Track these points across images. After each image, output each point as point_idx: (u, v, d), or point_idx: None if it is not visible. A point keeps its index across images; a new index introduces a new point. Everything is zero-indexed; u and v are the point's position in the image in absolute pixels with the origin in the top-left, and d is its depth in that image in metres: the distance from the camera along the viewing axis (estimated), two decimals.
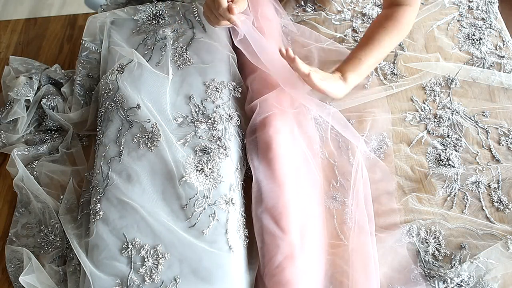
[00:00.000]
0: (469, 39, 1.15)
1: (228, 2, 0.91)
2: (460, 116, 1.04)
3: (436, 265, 0.86)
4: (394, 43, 1.03)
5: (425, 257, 0.87)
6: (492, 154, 0.99)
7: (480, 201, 0.93)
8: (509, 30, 1.17)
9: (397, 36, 1.01)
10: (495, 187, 0.94)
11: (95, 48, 1.09)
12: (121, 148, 0.90)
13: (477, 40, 1.14)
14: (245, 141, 0.95)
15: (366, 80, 1.08)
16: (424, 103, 1.06)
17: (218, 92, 0.96)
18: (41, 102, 1.06)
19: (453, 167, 0.97)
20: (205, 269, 0.79)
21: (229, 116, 0.94)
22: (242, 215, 0.87)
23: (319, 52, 1.11)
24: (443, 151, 0.99)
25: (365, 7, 1.21)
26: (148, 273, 0.79)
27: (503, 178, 0.95)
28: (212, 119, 0.92)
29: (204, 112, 0.93)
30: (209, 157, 0.87)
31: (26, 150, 1.02)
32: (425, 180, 0.96)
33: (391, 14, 1.00)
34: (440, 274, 0.85)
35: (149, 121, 0.91)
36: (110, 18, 1.10)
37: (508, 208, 0.92)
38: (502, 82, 1.07)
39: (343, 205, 0.93)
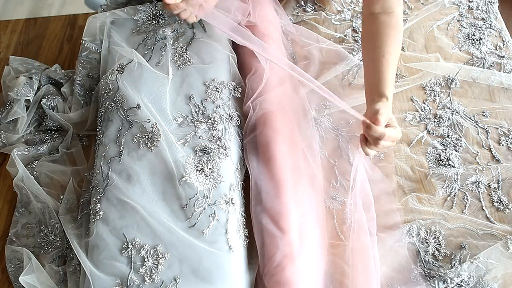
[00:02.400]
0: (469, 39, 1.15)
1: None
2: (460, 116, 1.04)
3: (436, 265, 0.86)
4: None
5: (425, 257, 0.87)
6: (492, 154, 0.99)
7: (480, 201, 0.93)
8: (509, 30, 1.17)
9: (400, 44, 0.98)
10: (495, 187, 0.94)
11: (95, 48, 1.09)
12: (121, 148, 0.90)
13: (477, 40, 1.14)
14: (245, 141, 0.95)
15: None
16: (424, 103, 1.06)
17: (218, 92, 0.96)
18: (41, 102, 1.06)
19: (453, 167, 0.97)
20: (205, 269, 0.79)
21: (229, 116, 0.94)
22: (242, 215, 0.87)
23: (319, 52, 1.11)
24: (443, 151, 0.99)
25: None
26: (148, 273, 0.79)
27: (503, 178, 0.95)
28: (212, 119, 0.92)
29: (204, 112, 0.93)
30: (209, 157, 0.87)
31: (26, 150, 1.02)
32: (425, 180, 0.96)
33: (390, 23, 0.94)
34: (440, 274, 0.85)
35: (149, 121, 0.91)
36: (110, 18, 1.10)
37: (508, 208, 0.92)
38: (502, 82, 1.07)
39: (343, 205, 0.93)
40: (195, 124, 0.91)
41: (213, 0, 0.93)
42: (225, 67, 1.00)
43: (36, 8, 2.03)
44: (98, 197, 0.86)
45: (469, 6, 1.21)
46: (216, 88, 0.96)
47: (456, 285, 0.83)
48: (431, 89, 1.08)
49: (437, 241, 0.89)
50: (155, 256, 0.80)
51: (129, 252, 0.81)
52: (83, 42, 1.09)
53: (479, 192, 0.94)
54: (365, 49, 0.98)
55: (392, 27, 0.94)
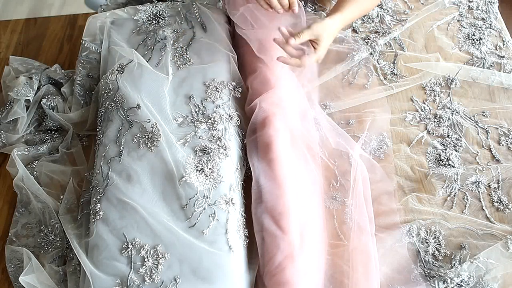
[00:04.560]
0: (469, 39, 1.15)
1: None
2: (460, 116, 1.04)
3: (436, 265, 0.86)
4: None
5: (425, 257, 0.87)
6: (492, 154, 0.99)
7: (480, 201, 0.93)
8: (509, 30, 1.17)
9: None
10: (495, 187, 0.94)
11: (95, 48, 1.09)
12: (121, 148, 0.90)
13: (477, 40, 1.14)
14: (245, 141, 0.95)
15: (366, 80, 1.08)
16: (424, 103, 1.06)
17: (218, 92, 0.95)
18: (41, 102, 1.06)
19: (453, 167, 0.97)
20: (205, 269, 0.79)
21: (229, 116, 0.94)
22: (242, 215, 0.87)
23: None
24: (443, 151, 0.99)
25: None
26: (148, 273, 0.79)
27: (503, 178, 0.95)
28: (212, 119, 0.92)
29: (204, 112, 0.93)
30: (209, 157, 0.87)
31: (26, 150, 1.02)
32: (425, 180, 0.96)
33: None
34: (440, 274, 0.84)
35: (149, 121, 0.91)
36: (110, 18, 1.10)
37: (508, 208, 0.92)
38: (502, 82, 1.07)
39: (343, 205, 0.93)
40: (195, 124, 0.91)
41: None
42: (225, 67, 1.00)
43: (36, 8, 2.03)
44: (98, 197, 0.86)
45: (469, 6, 1.21)
46: (216, 88, 0.96)
47: (456, 285, 0.83)
48: (431, 89, 1.08)
49: (437, 241, 0.89)
50: (155, 256, 0.80)
51: (129, 252, 0.81)
52: (83, 42, 1.09)
53: (479, 192, 0.94)
54: None
55: None
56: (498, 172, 0.96)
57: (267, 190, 0.85)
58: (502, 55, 1.11)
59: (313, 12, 1.21)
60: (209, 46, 1.02)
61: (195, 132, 0.90)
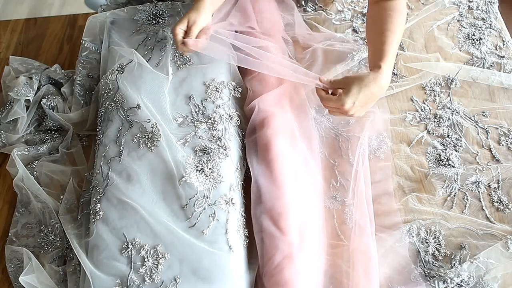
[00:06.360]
0: (469, 39, 1.15)
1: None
2: (460, 116, 1.04)
3: (436, 265, 0.86)
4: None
5: (425, 257, 0.87)
6: (492, 154, 0.99)
7: (480, 201, 0.93)
8: (509, 30, 1.17)
9: (403, 26, 0.98)
10: (495, 187, 0.94)
11: (95, 48, 1.09)
12: (121, 148, 0.90)
13: (477, 40, 1.14)
14: (245, 141, 0.95)
15: None
16: (424, 103, 1.06)
17: (218, 92, 0.96)
18: (41, 102, 1.06)
19: (453, 167, 0.97)
20: (205, 269, 0.79)
21: (229, 116, 0.94)
22: (242, 215, 0.87)
23: (321, 52, 1.11)
24: (443, 151, 0.99)
25: (365, 7, 1.21)
26: (148, 273, 0.79)
27: (503, 178, 0.95)
28: (212, 119, 0.92)
29: (204, 112, 0.93)
30: (209, 157, 0.87)
31: (26, 150, 1.02)
32: (425, 180, 0.96)
33: (392, 5, 0.94)
34: (440, 274, 0.85)
35: (149, 121, 0.91)
36: (110, 18, 1.10)
37: (508, 208, 0.92)
38: (502, 82, 1.07)
39: (343, 205, 0.93)
40: (195, 124, 0.91)
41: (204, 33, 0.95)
42: (225, 67, 1.00)
43: (36, 8, 2.03)
44: (98, 197, 0.86)
45: (469, 6, 1.21)
46: (216, 88, 0.96)
47: (456, 285, 0.83)
48: (431, 89, 1.08)
49: (437, 241, 0.89)
50: (155, 256, 0.80)
51: (129, 252, 0.81)
52: (83, 42, 1.09)
53: (479, 192, 0.94)
54: (368, 31, 0.99)
55: (394, 10, 0.94)
56: (498, 172, 0.96)
57: (266, 191, 0.85)
58: (502, 55, 1.11)
59: (313, 12, 1.21)
60: (209, 46, 1.01)
61: (195, 132, 0.90)
